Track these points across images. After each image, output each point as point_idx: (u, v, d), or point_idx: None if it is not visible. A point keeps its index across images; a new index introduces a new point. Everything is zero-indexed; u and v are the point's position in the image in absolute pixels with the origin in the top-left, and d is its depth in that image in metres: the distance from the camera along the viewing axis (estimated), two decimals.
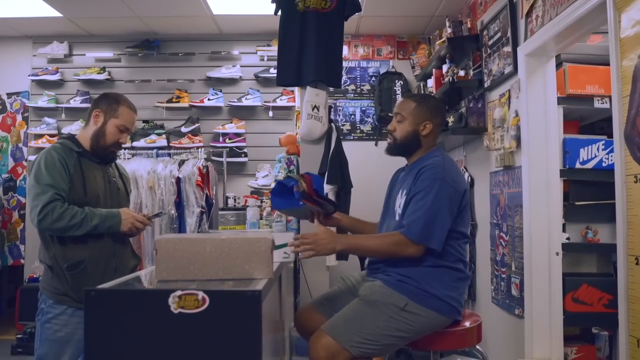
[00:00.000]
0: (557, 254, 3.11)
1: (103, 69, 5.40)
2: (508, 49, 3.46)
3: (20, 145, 5.47)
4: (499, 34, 3.62)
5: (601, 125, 3.60)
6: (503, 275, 3.57)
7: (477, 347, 2.43)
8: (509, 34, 3.44)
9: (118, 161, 2.74)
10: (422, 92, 4.96)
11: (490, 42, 3.79)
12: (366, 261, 3.32)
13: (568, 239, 3.24)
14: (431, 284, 2.18)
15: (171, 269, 1.68)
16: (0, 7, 4.75)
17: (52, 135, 5.31)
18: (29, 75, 5.44)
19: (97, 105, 2.50)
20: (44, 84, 5.46)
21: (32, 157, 5.28)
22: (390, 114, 5.09)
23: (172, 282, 1.65)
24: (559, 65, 3.25)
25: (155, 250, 1.68)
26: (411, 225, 2.14)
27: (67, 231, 2.27)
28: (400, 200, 2.31)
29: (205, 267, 1.68)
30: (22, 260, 5.27)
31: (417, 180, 2.22)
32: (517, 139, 3.31)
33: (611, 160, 3.15)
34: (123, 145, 2.60)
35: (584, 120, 3.61)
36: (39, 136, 5.35)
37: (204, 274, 1.68)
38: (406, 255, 2.16)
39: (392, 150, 2.44)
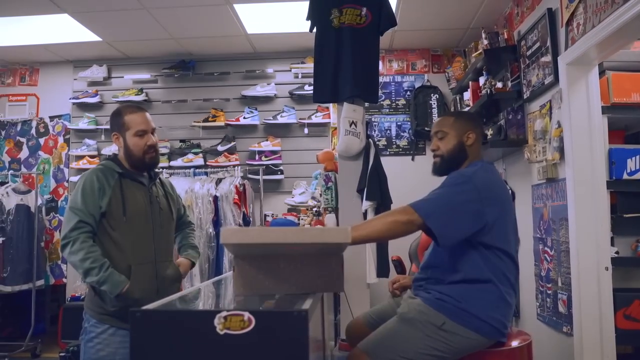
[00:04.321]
0: (607, 268, 3.01)
1: (140, 91, 5.50)
2: (548, 58, 3.39)
3: (62, 166, 5.61)
4: (537, 44, 3.56)
5: None
6: (549, 292, 3.47)
7: None
8: (548, 44, 3.37)
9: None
10: (459, 105, 4.90)
11: (528, 53, 3.72)
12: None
13: (617, 253, 3.13)
14: (472, 303, 2.10)
15: (248, 285, 1.77)
16: (42, 34, 4.92)
17: (92, 156, 5.44)
18: (70, 99, 5.60)
19: (111, 129, 2.55)
20: (84, 107, 5.60)
21: (73, 178, 5.41)
22: (426, 128, 5.07)
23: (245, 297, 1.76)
24: (601, 73, 3.17)
25: (233, 268, 1.80)
26: (419, 201, 2.05)
27: (77, 268, 2.30)
28: None
29: (280, 282, 1.77)
30: (64, 280, 5.38)
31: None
32: (560, 150, 3.23)
33: None
34: (158, 148, 2.56)
35: (629, 129, 3.51)
36: (79, 157, 5.49)
37: (279, 289, 1.76)
38: (402, 223, 1.98)
39: (440, 169, 2.34)
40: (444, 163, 2.33)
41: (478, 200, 2.07)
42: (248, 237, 1.71)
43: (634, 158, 3.12)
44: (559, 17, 3.28)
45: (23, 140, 5.68)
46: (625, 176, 3.11)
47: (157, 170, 2.66)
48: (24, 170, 5.58)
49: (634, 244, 3.17)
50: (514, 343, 2.21)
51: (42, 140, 5.66)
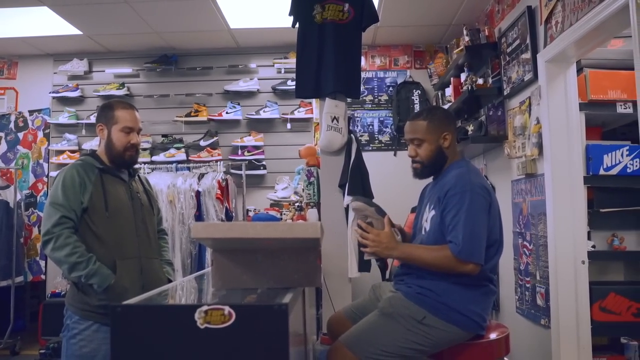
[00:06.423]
0: (583, 262, 3.06)
1: (122, 85, 5.46)
2: (527, 55, 3.44)
3: (41, 161, 5.54)
4: (517, 41, 3.60)
5: (623, 131, 3.55)
6: (527, 285, 3.52)
7: (505, 359, 2.37)
8: (528, 41, 3.41)
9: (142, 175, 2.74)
10: (441, 101, 4.94)
11: (508, 50, 3.76)
12: (387, 272, 3.31)
13: (594, 247, 3.19)
14: (452, 297, 2.14)
15: (226, 279, 1.78)
16: (22, 26, 4.85)
17: (72, 151, 5.38)
18: (50, 93, 5.53)
19: (98, 120, 2.53)
20: (64, 101, 5.54)
21: (53, 173, 5.35)
22: None
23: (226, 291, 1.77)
24: (579, 70, 3.22)
25: (211, 261, 1.79)
26: (454, 242, 2.08)
27: (61, 264, 2.28)
28: (427, 215, 2.27)
29: (257, 276, 1.78)
30: (42, 276, 5.32)
31: (446, 196, 2.16)
32: (539, 146, 3.27)
33: (636, 165, 3.11)
34: (139, 148, 2.56)
35: (606, 126, 3.56)
36: (60, 152, 5.43)
37: (256, 283, 1.77)
38: (462, 273, 2.10)
39: (422, 174, 2.38)
40: (424, 169, 2.36)
41: (484, 204, 2.15)
42: (218, 231, 1.73)
43: (610, 154, 3.17)
44: (538, 15, 3.32)
45: (1, 134, 5.60)
46: (602, 172, 3.16)
47: (135, 167, 2.65)
48: (2, 165, 5.50)
49: (610, 238, 3.24)
50: (492, 335, 2.25)
51: (21, 135, 5.59)
